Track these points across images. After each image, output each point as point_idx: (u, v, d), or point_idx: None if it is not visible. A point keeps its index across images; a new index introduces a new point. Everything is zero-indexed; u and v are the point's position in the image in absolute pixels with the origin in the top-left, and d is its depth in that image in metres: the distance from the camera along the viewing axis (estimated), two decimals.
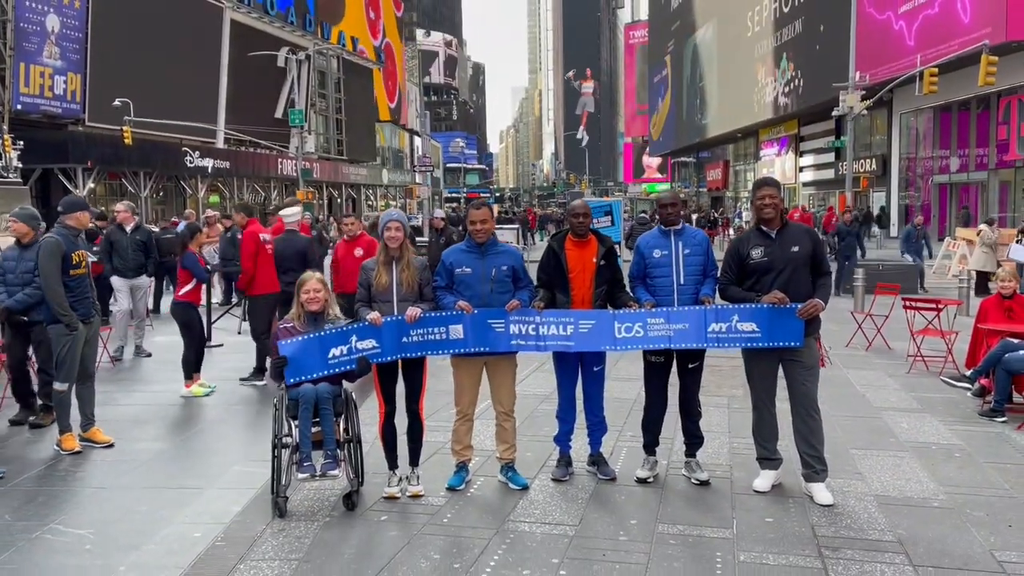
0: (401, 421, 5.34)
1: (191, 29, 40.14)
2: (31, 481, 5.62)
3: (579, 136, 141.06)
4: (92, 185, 33.96)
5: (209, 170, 41.31)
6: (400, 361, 5.20)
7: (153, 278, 13.06)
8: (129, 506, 5.13)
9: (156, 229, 16.21)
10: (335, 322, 5.16)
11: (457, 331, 5.11)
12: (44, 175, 32.29)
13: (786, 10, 42.80)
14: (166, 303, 14.32)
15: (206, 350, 8.82)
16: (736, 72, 51.05)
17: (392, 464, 5.29)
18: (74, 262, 6.24)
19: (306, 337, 5.00)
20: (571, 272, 5.35)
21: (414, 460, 5.32)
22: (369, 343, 5.01)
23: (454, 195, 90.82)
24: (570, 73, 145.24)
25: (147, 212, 35.54)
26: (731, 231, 34.48)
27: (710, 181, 65.59)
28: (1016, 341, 7.16)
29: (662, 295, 5.30)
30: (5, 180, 18.46)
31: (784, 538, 4.53)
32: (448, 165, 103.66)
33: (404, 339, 5.06)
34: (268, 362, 7.66)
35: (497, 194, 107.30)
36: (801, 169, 47.00)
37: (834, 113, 29.85)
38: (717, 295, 5.33)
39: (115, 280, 10.26)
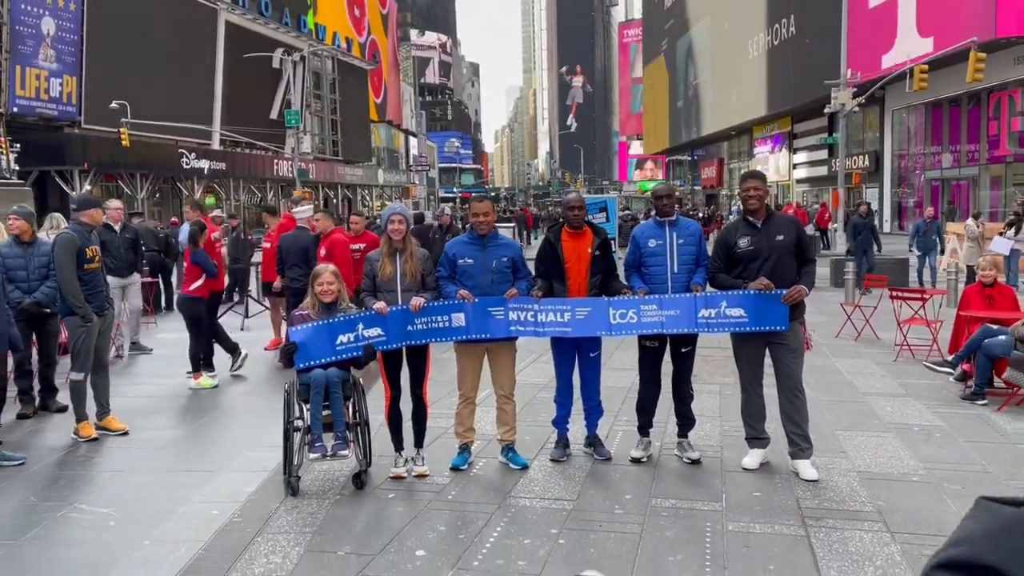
0: (406, 406, 5.60)
1: (185, 31, 40.30)
2: (51, 466, 5.86)
3: (568, 123, 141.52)
4: (89, 187, 34.11)
5: (205, 171, 41.45)
6: (404, 348, 5.46)
7: (150, 275, 13.32)
8: (147, 487, 5.38)
9: (156, 227, 16.45)
10: (347, 312, 5.41)
11: (459, 319, 5.37)
12: (41, 177, 32.44)
13: (778, 7, 43.13)
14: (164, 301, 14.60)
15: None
16: (729, 69, 51.36)
17: (398, 446, 5.55)
18: (88, 257, 6.49)
19: (315, 324, 5.26)
20: (567, 262, 5.61)
21: (419, 442, 5.58)
22: (375, 331, 5.27)
23: (449, 195, 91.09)
24: (563, 68, 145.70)
25: (145, 213, 35.68)
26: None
27: (705, 179, 65.97)
28: (996, 327, 7.44)
29: (656, 283, 5.56)
30: (7, 182, 18.73)
31: (770, 510, 4.80)
32: (443, 165, 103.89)
33: (409, 327, 5.32)
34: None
35: (492, 193, 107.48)
36: (795, 166, 47.35)
37: (826, 110, 30.16)
38: (707, 283, 5.59)
39: (110, 279, 10.48)
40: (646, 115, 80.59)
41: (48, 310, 6.94)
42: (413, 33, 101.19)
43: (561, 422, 5.86)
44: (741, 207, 5.79)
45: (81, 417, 6.47)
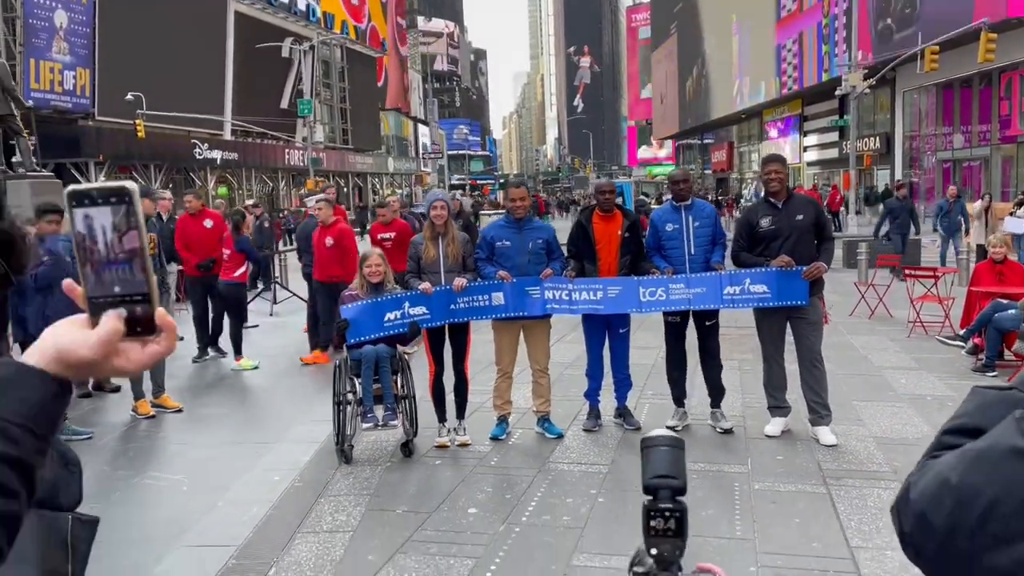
0: (448, 381, 5.97)
1: (195, 21, 40.62)
2: (116, 440, 6.27)
3: (575, 103, 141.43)
4: (103, 179, 34.59)
5: (218, 162, 41.85)
6: (447, 326, 5.83)
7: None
8: (210, 458, 5.77)
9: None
10: (393, 292, 5.78)
11: (498, 298, 5.73)
12: (57, 170, 32.86)
13: None
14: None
15: (244, 331, 9.45)
16: (739, 53, 51.34)
17: (441, 417, 5.92)
18: None
19: (365, 302, 5.62)
20: (598, 244, 5.95)
21: (461, 414, 5.95)
22: (420, 309, 5.63)
23: (458, 182, 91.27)
24: (571, 48, 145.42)
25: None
26: (736, 212, 34.98)
27: (715, 163, 65.96)
28: (1006, 302, 7.74)
29: (675, 265, 5.89)
30: (38, 174, 19.14)
31: (793, 472, 5.15)
32: (452, 152, 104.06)
33: (452, 306, 5.68)
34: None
35: (501, 180, 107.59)
36: (805, 149, 47.40)
37: (837, 92, 30.29)
38: (728, 260, 5.93)
39: None
40: (655, 99, 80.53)
41: None
42: (419, 19, 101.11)
43: (593, 394, 6.22)
44: (761, 189, 6.10)
45: (139, 395, 6.87)
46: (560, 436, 5.96)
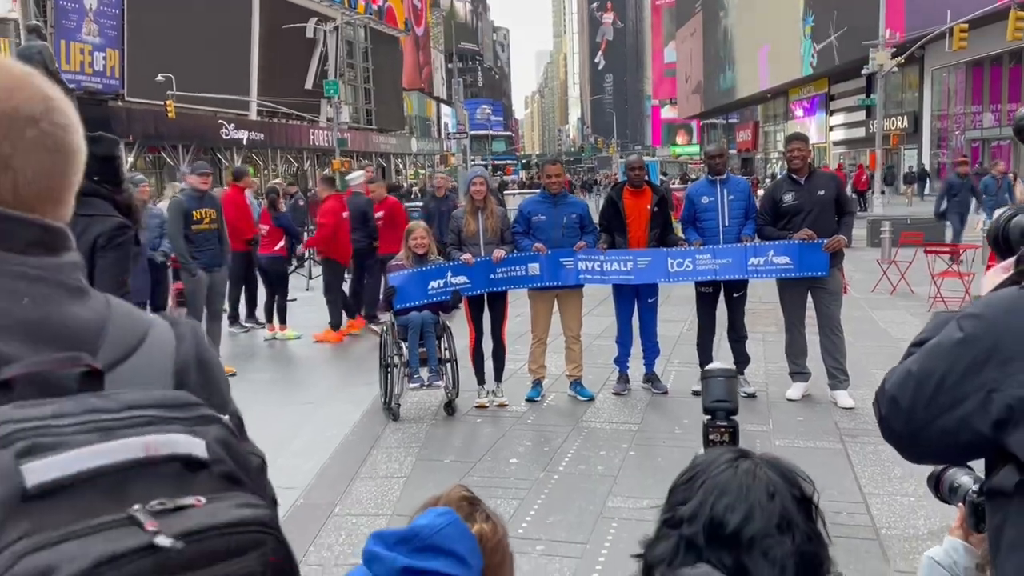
0: (486, 347, 6.36)
1: (221, 2, 41.04)
2: None
3: (597, 61, 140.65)
4: (132, 159, 35.26)
5: (244, 142, 42.38)
6: (486, 294, 6.22)
7: None
8: (265, 418, 6.19)
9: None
10: (436, 263, 6.17)
11: (535, 268, 6.11)
12: None
13: None
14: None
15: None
16: (765, 32, 51.01)
17: (480, 380, 6.33)
18: (195, 219, 7.30)
19: (411, 271, 6.02)
20: (628, 218, 6.30)
21: (498, 377, 6.36)
22: (462, 279, 6.02)
23: (481, 163, 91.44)
24: (594, 4, 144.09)
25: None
26: (760, 191, 35.02)
27: (740, 143, 65.67)
28: None
29: (709, 236, 6.23)
30: None
31: (812, 431, 5.50)
32: (474, 132, 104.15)
33: (491, 275, 6.07)
34: None
35: (523, 160, 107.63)
36: (831, 128, 47.15)
37: (864, 71, 30.18)
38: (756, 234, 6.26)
39: None
40: (679, 78, 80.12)
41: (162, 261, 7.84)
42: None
43: (622, 361, 6.59)
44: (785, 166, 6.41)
45: None
46: (591, 399, 6.35)
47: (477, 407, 6.18)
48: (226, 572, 0.71)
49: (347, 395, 6.80)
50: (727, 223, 6.23)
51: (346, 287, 9.81)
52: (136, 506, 0.69)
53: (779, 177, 6.58)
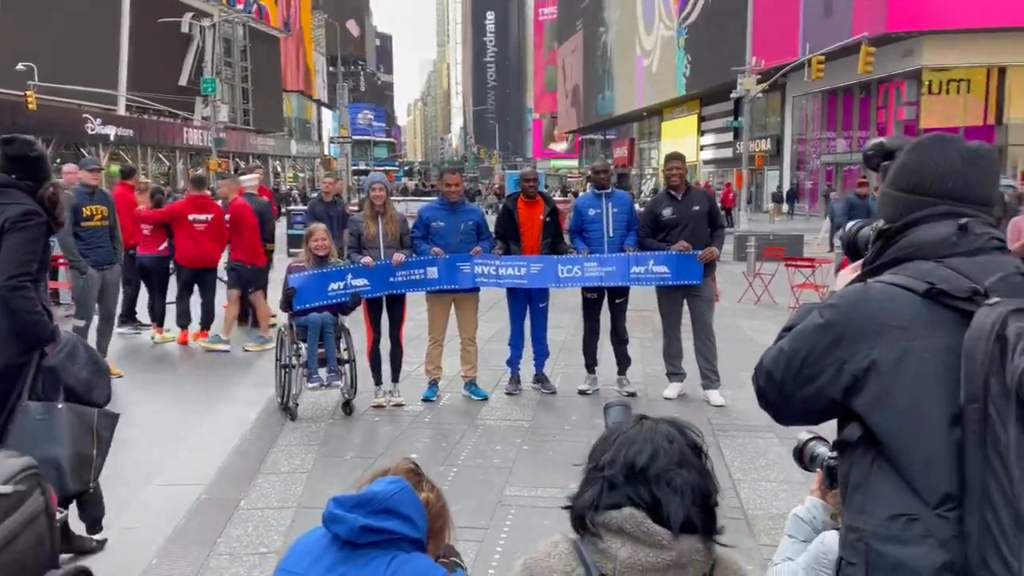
0: (384, 348, 6.55)
1: None
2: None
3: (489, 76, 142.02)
4: None
5: (111, 138, 40.37)
6: (384, 297, 6.41)
7: None
8: (164, 415, 6.19)
9: None
10: (336, 265, 6.31)
11: (433, 272, 6.36)
12: None
13: None
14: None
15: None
16: (641, 51, 53.14)
17: (377, 381, 6.51)
18: (85, 215, 7.12)
19: (312, 272, 6.14)
20: (522, 226, 6.66)
21: (395, 377, 6.56)
22: (362, 281, 6.20)
23: (361, 169, 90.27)
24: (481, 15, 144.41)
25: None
26: (637, 206, 36.40)
27: (617, 158, 67.92)
28: None
29: (595, 245, 6.67)
30: None
31: None
32: (356, 137, 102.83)
33: (391, 278, 6.27)
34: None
35: (406, 168, 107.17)
36: (702, 148, 49.59)
37: (732, 95, 32.04)
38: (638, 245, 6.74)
39: None
40: (560, 94, 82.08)
41: None
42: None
43: (514, 362, 6.93)
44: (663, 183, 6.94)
45: None
46: (485, 398, 6.65)
47: (374, 407, 6.36)
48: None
49: (241, 395, 6.83)
50: (611, 234, 6.69)
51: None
52: None
53: (659, 193, 7.12)
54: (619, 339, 6.91)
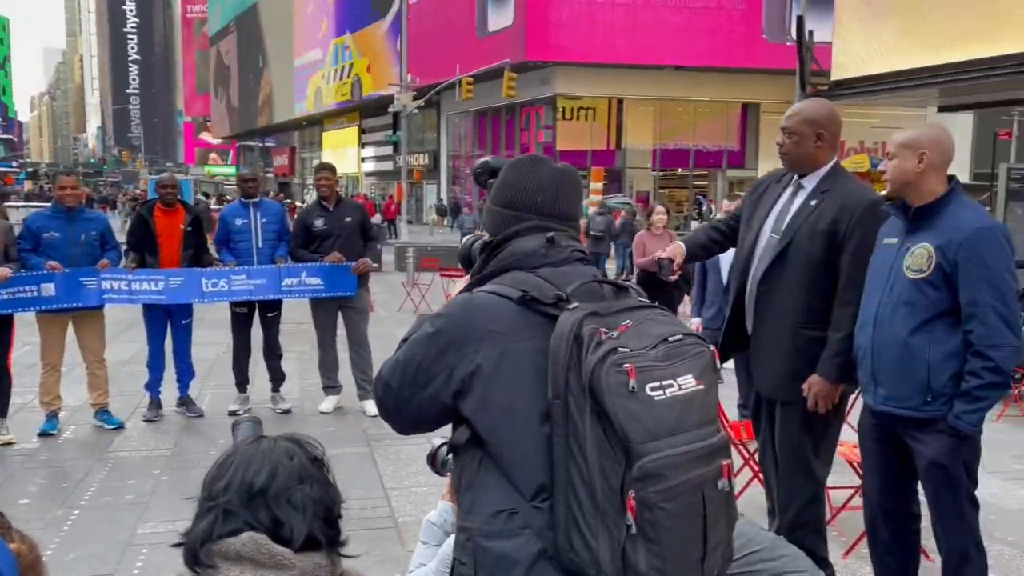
0: None
1: None
2: None
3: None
4: None
5: None
6: None
7: None
8: None
9: None
10: None
11: (48, 288, 5.57)
12: None
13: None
14: None
15: None
16: (300, 60, 52.31)
17: None
18: None
19: None
20: (160, 237, 6.12)
21: (2, 412, 5.63)
22: None
23: None
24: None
25: None
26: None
27: (277, 167, 66.07)
28: None
29: (244, 257, 6.35)
30: None
31: (343, 439, 5.94)
32: None
33: None
34: None
35: (30, 169, 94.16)
36: (364, 160, 50.12)
37: (390, 109, 32.83)
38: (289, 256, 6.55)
39: None
40: (213, 97, 77.79)
41: None
42: None
43: (154, 386, 6.33)
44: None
45: None
46: (120, 426, 5.99)
47: None
48: None
49: None
50: (260, 245, 6.42)
51: None
52: None
53: (310, 203, 7.00)
54: (272, 354, 6.65)
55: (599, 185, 25.17)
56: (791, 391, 3.13)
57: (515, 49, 29.36)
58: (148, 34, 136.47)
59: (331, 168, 6.65)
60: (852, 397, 3.41)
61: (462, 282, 2.00)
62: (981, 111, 22.05)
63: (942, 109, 15.92)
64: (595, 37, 29.16)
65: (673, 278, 3.50)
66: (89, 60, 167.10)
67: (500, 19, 31.60)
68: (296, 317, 9.86)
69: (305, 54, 51.73)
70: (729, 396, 5.28)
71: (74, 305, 5.71)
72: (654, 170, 33.72)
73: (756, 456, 3.92)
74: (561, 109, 32.53)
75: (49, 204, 6.11)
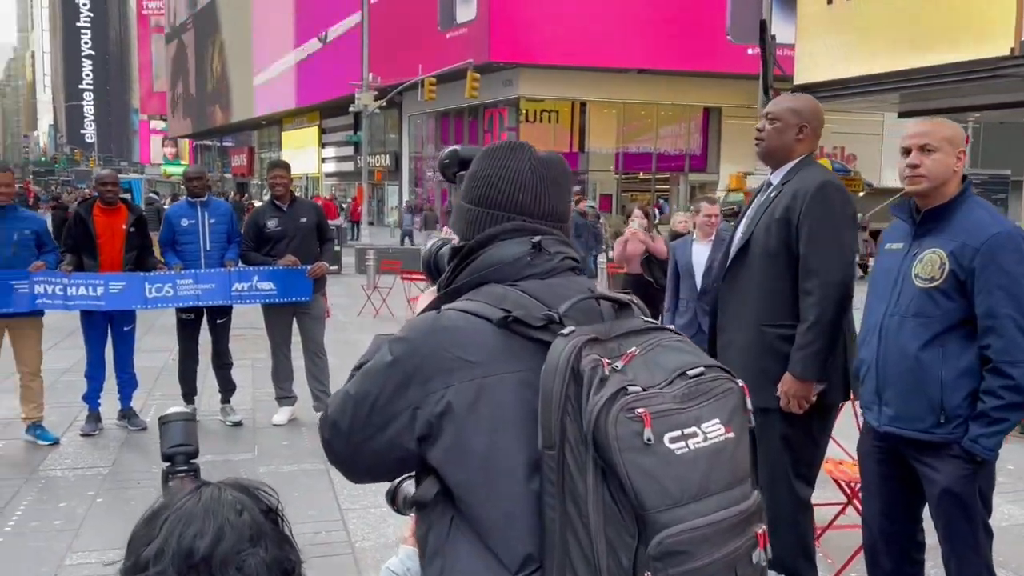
0: None
1: None
2: None
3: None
4: None
5: None
6: None
7: None
8: None
9: None
10: None
11: None
12: None
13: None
14: None
15: None
16: (260, 57, 51.40)
17: None
18: None
19: None
20: (100, 238, 5.70)
21: None
22: None
23: None
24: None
25: None
26: None
27: (235, 167, 64.93)
28: None
29: (190, 260, 5.95)
30: None
31: (297, 454, 5.58)
32: None
33: None
34: None
35: None
36: (324, 160, 49.37)
37: (351, 109, 32.30)
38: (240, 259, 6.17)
39: None
40: (171, 95, 76.19)
41: None
42: None
43: (93, 396, 5.90)
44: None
45: None
46: (55, 442, 5.56)
47: None
48: None
49: None
50: (208, 247, 6.04)
51: None
52: None
53: (262, 203, 6.62)
54: (221, 363, 6.27)
55: None
56: (763, 396, 2.87)
57: (478, 50, 29.06)
58: (103, 29, 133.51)
59: (285, 166, 6.28)
60: (838, 409, 3.19)
61: (426, 296, 1.68)
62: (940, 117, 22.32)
63: (902, 114, 16.00)
64: (559, 39, 28.98)
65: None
66: (41, 56, 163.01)
67: (465, 12, 31.36)
68: (250, 322, 9.45)
69: (264, 70, 50.77)
70: None
71: (5, 311, 5.27)
72: (616, 173, 33.65)
73: None
74: (524, 111, 32.31)
75: None
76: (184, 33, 67.98)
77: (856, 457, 3.06)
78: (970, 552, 2.54)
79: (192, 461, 1.68)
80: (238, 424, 6.19)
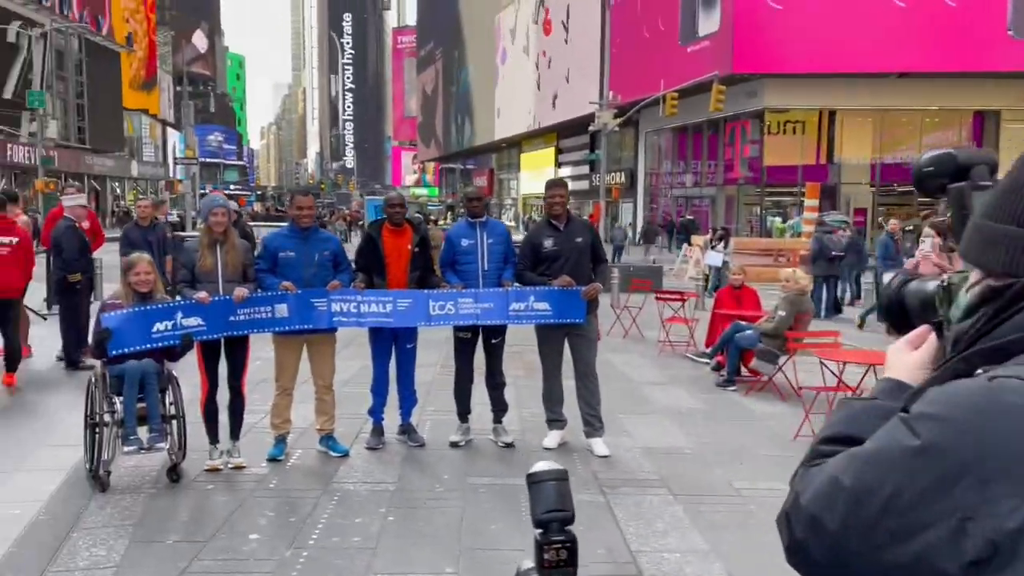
0: (221, 399, 5.56)
1: None
2: None
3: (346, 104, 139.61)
4: None
5: None
6: (223, 340, 5.44)
7: None
8: None
9: None
10: (163, 302, 5.29)
11: (282, 310, 5.45)
12: None
13: (546, 28, 45.69)
14: None
15: None
16: (501, 84, 53.49)
17: (213, 439, 5.50)
18: None
19: (131, 310, 5.10)
20: (387, 257, 5.88)
21: (235, 434, 5.57)
22: (195, 320, 5.20)
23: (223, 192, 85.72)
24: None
25: None
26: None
27: (477, 188, 67.86)
28: (744, 323, 8.67)
29: (469, 279, 5.97)
30: None
31: (573, 483, 5.34)
32: (204, 160, 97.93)
33: (231, 317, 5.31)
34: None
35: (259, 192, 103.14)
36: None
37: (590, 128, 32.53)
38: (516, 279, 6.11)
39: None
40: (421, 122, 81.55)
41: None
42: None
43: (377, 411, 6.09)
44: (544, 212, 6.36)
45: None
46: (346, 454, 5.78)
47: (208, 471, 5.35)
48: None
49: (43, 459, 5.62)
50: (487, 267, 6.03)
51: None
52: None
53: (538, 222, 6.52)
54: (495, 383, 6.23)
55: (815, 202, 23.28)
56: None
57: (722, 62, 28.09)
58: (362, 64, 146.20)
59: (563, 184, 6.17)
60: None
61: (901, 353, 1.25)
62: None
63: None
64: (807, 46, 27.29)
65: None
66: (311, 92, 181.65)
67: (708, 25, 30.54)
68: (509, 340, 9.53)
69: (503, 77, 52.70)
70: None
71: (306, 327, 5.56)
72: (872, 186, 31.04)
73: None
74: (768, 123, 30.78)
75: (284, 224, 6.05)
76: (433, 63, 72.41)
77: None
78: None
79: (567, 529, 1.43)
80: (510, 446, 6.12)
